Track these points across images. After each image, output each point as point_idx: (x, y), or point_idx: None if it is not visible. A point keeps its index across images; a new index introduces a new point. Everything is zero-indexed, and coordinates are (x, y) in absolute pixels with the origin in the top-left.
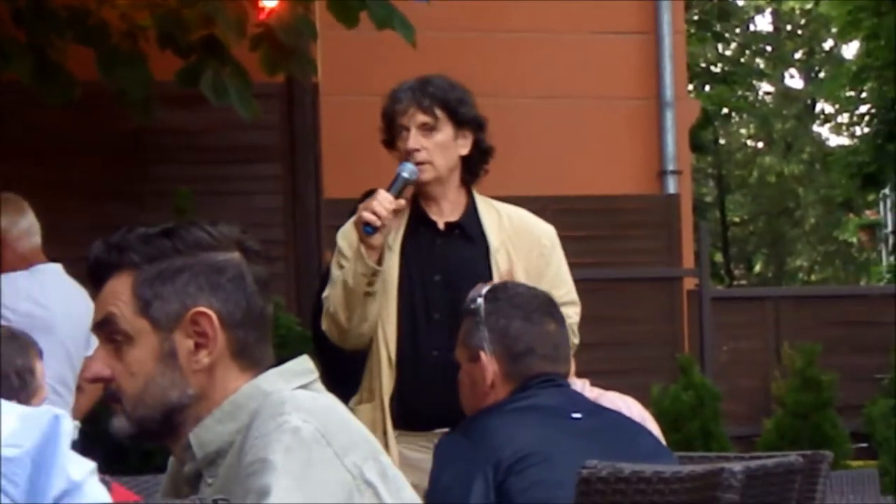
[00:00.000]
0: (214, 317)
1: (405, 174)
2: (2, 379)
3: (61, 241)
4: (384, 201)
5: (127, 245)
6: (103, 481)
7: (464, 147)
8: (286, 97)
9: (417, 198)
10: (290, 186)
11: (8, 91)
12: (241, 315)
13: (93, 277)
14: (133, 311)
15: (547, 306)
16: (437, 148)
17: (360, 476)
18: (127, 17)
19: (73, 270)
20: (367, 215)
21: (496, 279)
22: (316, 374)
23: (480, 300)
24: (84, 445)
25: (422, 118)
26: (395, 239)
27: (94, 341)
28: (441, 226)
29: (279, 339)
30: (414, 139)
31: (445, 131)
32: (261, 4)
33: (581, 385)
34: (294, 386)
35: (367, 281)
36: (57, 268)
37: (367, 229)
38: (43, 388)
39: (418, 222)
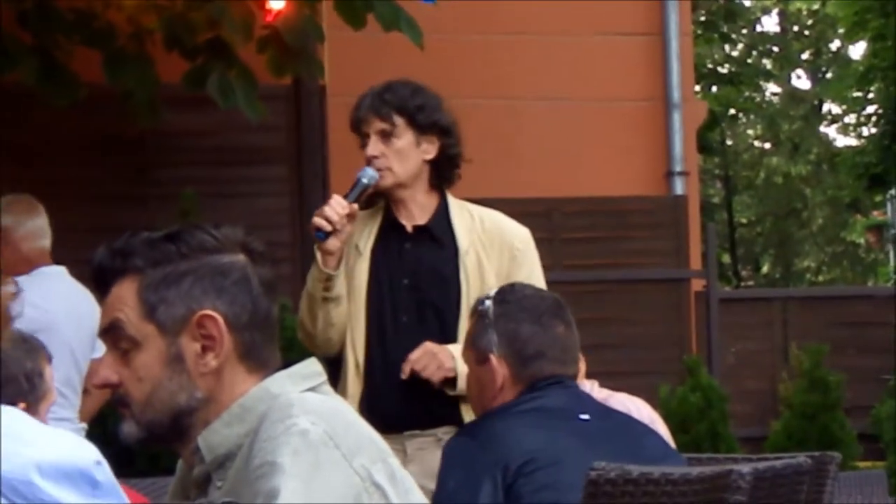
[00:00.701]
0: (220, 319)
1: (364, 179)
2: (11, 382)
3: (66, 242)
4: (336, 206)
5: (131, 250)
6: None
7: (428, 153)
8: (293, 99)
9: (389, 203)
10: (297, 188)
11: (13, 93)
12: (247, 317)
13: (97, 283)
14: (139, 316)
15: (555, 308)
16: (395, 154)
17: (369, 478)
18: (133, 20)
19: (77, 272)
20: (317, 220)
21: (463, 282)
22: (324, 377)
23: (489, 302)
24: None
25: (379, 125)
26: (366, 244)
27: (101, 343)
28: (409, 229)
29: (286, 341)
30: (373, 146)
31: (405, 138)
32: (267, 6)
33: (590, 386)
34: (302, 388)
35: (323, 286)
36: (60, 270)
37: (318, 234)
38: (52, 392)
39: (389, 227)
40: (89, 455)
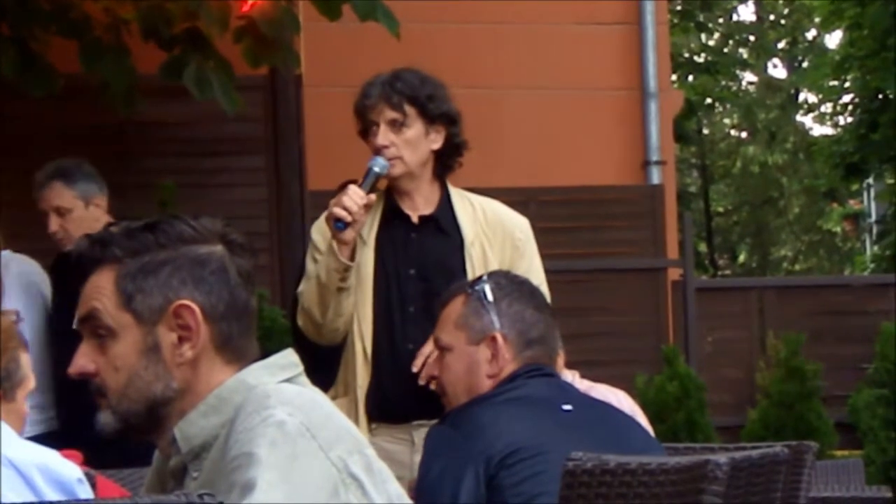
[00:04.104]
0: (197, 310)
1: (376, 168)
2: None
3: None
4: (354, 196)
5: (110, 240)
6: (87, 474)
7: (435, 142)
8: (270, 89)
9: (390, 192)
10: (274, 178)
11: None
12: (225, 308)
13: (76, 272)
14: (116, 306)
15: (543, 298)
16: (406, 144)
17: (346, 469)
18: (110, 10)
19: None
20: (338, 211)
21: (469, 272)
22: (301, 368)
23: (485, 284)
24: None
25: (390, 114)
26: (370, 233)
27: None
28: (415, 219)
29: (264, 331)
30: (383, 135)
31: (415, 127)
32: None
33: (571, 377)
34: (279, 379)
35: (339, 276)
36: (8, 254)
37: (338, 225)
38: (29, 379)
39: (392, 216)
40: (72, 472)
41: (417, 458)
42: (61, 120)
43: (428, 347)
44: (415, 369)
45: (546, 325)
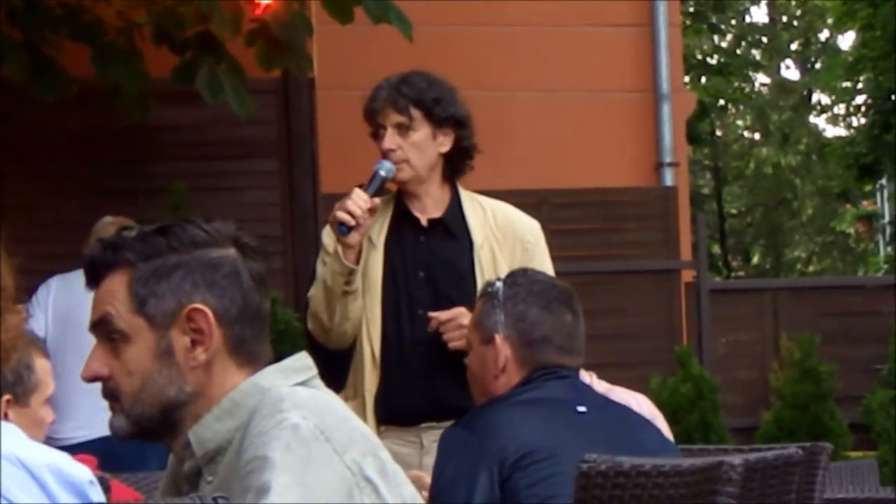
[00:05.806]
0: (210, 313)
1: (382, 172)
2: None
3: (56, 237)
4: (358, 200)
5: (122, 244)
6: (102, 479)
7: (444, 145)
8: (282, 92)
9: (400, 194)
10: (287, 181)
11: (2, 88)
12: (237, 311)
13: (89, 277)
14: (129, 310)
15: (565, 297)
16: (412, 147)
17: (360, 473)
18: (122, 14)
19: (68, 267)
20: (341, 214)
21: (479, 276)
22: (315, 371)
23: (499, 284)
24: None
25: (397, 118)
26: (379, 236)
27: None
28: (424, 222)
29: (277, 334)
30: (389, 139)
31: (422, 131)
32: (256, 0)
33: (589, 378)
34: (293, 382)
35: (344, 280)
36: None
37: (341, 229)
38: (46, 385)
39: (402, 219)
40: (84, 474)
41: (426, 460)
42: (72, 124)
43: (446, 314)
44: (430, 329)
45: (554, 324)
